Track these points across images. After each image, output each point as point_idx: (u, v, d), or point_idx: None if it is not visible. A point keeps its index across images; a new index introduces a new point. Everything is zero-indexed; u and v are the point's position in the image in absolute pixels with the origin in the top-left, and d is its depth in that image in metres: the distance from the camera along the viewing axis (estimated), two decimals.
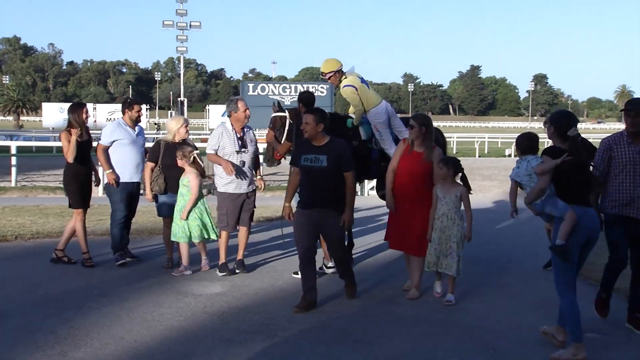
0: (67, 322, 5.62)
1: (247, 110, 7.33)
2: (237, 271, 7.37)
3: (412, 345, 5.20)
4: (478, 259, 8.28)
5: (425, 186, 6.41)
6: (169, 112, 38.93)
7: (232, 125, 7.31)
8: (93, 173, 7.85)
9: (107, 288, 6.74)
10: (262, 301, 6.35)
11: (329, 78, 7.57)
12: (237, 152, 7.24)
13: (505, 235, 10.05)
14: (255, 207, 7.53)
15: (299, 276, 7.20)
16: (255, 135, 7.69)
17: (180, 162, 7.25)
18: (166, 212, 7.57)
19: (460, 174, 6.34)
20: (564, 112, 5.18)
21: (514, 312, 6.13)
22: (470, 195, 6.35)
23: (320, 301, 6.29)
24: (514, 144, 5.31)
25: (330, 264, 7.41)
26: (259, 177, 7.50)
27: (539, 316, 5.94)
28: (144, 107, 59.73)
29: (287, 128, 7.41)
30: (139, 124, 7.97)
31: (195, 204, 7.27)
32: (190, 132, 7.88)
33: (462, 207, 6.34)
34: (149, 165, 7.54)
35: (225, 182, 7.25)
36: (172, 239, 7.40)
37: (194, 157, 7.28)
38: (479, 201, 14.39)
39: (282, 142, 7.37)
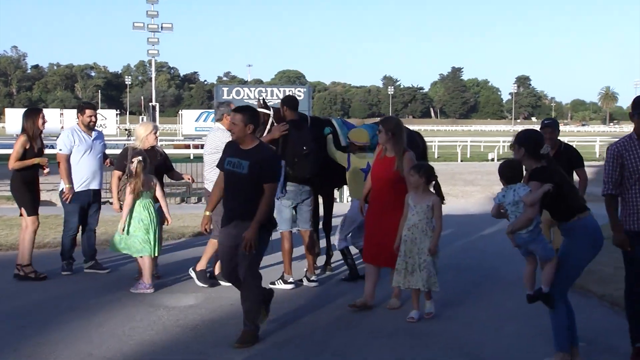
0: (31, 338, 5.54)
1: None
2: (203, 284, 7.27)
3: (393, 357, 5.21)
4: (460, 267, 8.33)
5: (399, 193, 6.27)
6: (140, 117, 38.80)
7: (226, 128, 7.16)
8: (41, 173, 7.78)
9: (75, 301, 6.66)
10: (237, 313, 6.27)
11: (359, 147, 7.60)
12: None
13: (489, 242, 10.13)
14: None
15: (276, 286, 7.20)
16: None
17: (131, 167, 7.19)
18: None
19: (433, 182, 6.21)
20: (531, 131, 5.11)
21: (497, 320, 6.17)
22: (443, 204, 6.19)
23: (297, 312, 6.28)
24: (497, 172, 5.13)
25: (313, 277, 7.41)
26: None
27: (521, 325, 5.99)
28: (113, 112, 59.23)
29: (268, 127, 7.45)
30: (96, 128, 7.97)
31: (130, 215, 7.07)
32: (161, 138, 7.86)
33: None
34: (116, 173, 7.45)
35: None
36: (123, 251, 7.19)
37: (136, 166, 7.08)
38: (462, 206, 14.51)
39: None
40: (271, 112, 7.55)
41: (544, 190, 4.66)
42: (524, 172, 4.98)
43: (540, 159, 4.83)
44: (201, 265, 7.29)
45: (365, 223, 6.65)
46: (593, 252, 4.89)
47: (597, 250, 4.90)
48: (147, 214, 7.12)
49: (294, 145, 7.10)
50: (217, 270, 7.36)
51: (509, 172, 5.02)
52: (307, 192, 7.33)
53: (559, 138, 7.25)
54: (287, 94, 29.45)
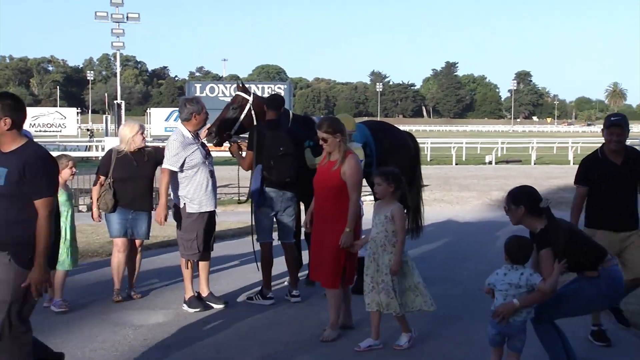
0: None
1: (207, 113, 7.21)
2: (217, 305, 7.11)
3: None
4: (455, 280, 8.37)
5: (338, 201, 6.01)
6: (104, 116, 38.69)
7: (189, 130, 7.04)
8: None
9: None
10: (211, 331, 6.29)
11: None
12: (204, 162, 7.00)
13: (486, 253, 10.18)
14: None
15: (254, 302, 7.20)
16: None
17: None
18: (117, 231, 7.35)
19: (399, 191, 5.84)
20: (526, 188, 5.09)
21: None
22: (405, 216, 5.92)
23: (277, 330, 6.27)
24: (504, 247, 4.92)
25: (294, 292, 7.40)
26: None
27: None
28: (73, 110, 58.18)
29: (244, 112, 7.67)
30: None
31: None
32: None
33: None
34: (98, 178, 7.39)
35: (194, 200, 6.93)
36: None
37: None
38: (456, 214, 14.58)
39: (235, 128, 7.64)
40: (250, 98, 7.67)
41: (560, 270, 4.66)
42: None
43: (541, 215, 4.83)
44: (189, 292, 7.08)
45: (311, 238, 6.41)
46: (607, 304, 4.97)
47: (612, 303, 4.95)
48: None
49: (270, 147, 7.12)
50: (204, 292, 7.20)
51: (516, 250, 4.84)
52: (289, 199, 7.30)
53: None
54: (265, 90, 29.68)
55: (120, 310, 6.93)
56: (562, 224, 4.87)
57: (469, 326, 6.53)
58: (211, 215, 7.11)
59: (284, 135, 7.24)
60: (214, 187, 7.13)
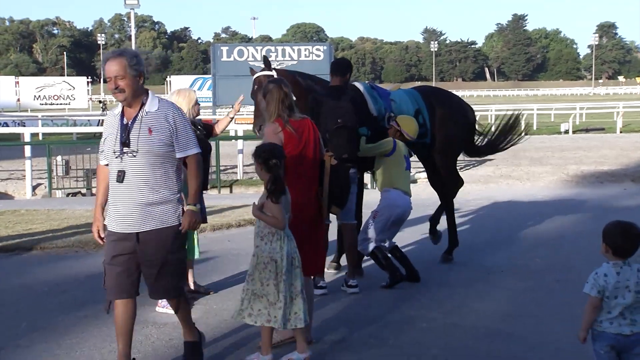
0: None
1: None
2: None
3: None
4: (525, 270, 8.28)
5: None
6: None
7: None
8: None
9: (40, 319, 6.71)
10: (247, 331, 6.31)
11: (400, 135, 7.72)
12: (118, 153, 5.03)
13: (563, 238, 10.03)
14: None
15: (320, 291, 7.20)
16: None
17: None
18: None
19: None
20: None
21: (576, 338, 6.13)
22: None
23: (322, 327, 6.28)
24: (602, 235, 4.37)
25: (351, 282, 7.41)
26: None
27: None
28: (83, 79, 59.06)
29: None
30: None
31: None
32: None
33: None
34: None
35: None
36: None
37: None
38: (527, 192, 14.45)
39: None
40: (274, 73, 7.47)
41: None
42: None
43: None
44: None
45: None
46: None
47: None
48: None
49: (326, 117, 7.11)
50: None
51: (622, 240, 4.25)
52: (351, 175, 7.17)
53: None
54: (302, 53, 29.61)
55: (141, 307, 6.96)
56: None
57: (544, 326, 6.47)
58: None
59: (345, 105, 7.26)
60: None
